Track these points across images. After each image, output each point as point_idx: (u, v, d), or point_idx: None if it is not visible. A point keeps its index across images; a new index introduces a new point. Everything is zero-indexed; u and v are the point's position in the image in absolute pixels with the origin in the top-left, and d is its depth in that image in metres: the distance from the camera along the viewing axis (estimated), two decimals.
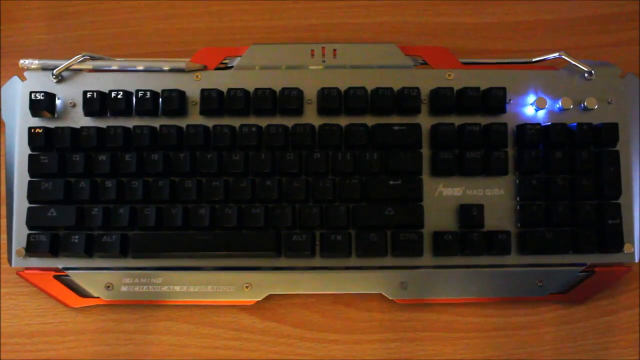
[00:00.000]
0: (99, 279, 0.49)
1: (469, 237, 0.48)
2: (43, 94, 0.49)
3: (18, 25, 0.56)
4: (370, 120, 0.50)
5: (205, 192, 0.49)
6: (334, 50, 0.51)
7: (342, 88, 0.50)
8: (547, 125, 0.49)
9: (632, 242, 0.49)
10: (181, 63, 0.51)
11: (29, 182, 0.49)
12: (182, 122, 0.50)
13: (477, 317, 0.51)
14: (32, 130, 0.49)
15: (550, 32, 0.56)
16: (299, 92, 0.50)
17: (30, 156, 0.49)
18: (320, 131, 0.49)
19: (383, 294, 0.49)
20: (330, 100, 0.49)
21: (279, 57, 0.51)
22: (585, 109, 0.50)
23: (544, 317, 0.51)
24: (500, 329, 0.50)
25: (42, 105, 0.49)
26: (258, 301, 0.49)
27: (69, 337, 0.51)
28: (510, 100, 0.50)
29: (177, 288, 0.49)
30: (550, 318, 0.51)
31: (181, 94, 0.50)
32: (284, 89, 0.50)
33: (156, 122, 0.50)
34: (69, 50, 0.55)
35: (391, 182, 0.49)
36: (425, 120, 0.50)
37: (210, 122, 0.50)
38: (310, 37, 0.56)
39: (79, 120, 0.50)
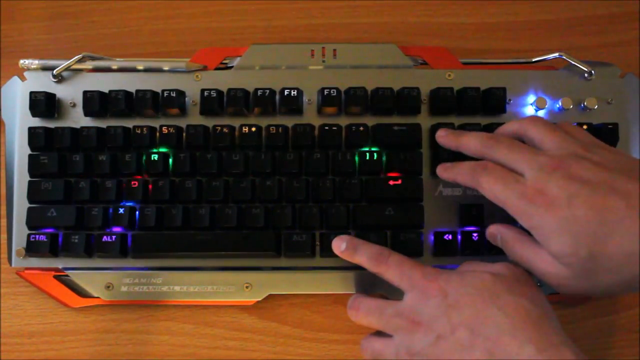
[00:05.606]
0: (99, 279, 0.49)
1: (469, 237, 0.48)
2: (43, 94, 0.49)
3: (18, 25, 0.56)
4: (370, 120, 0.50)
5: (205, 192, 0.49)
6: (334, 50, 0.51)
7: (342, 88, 0.50)
8: None
9: None
10: (181, 63, 0.51)
11: (29, 182, 0.49)
12: (182, 122, 0.50)
13: None
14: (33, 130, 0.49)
15: (550, 32, 0.56)
16: (299, 92, 0.50)
17: (30, 156, 0.49)
18: (320, 131, 0.49)
19: (383, 294, 0.49)
20: (330, 100, 0.49)
21: (279, 57, 0.51)
22: (585, 109, 0.50)
23: None
24: None
25: (42, 105, 0.49)
26: (258, 301, 0.49)
27: (69, 337, 0.51)
28: (510, 100, 0.50)
29: (177, 288, 0.49)
30: None
31: (181, 94, 0.50)
32: (284, 89, 0.50)
33: (156, 122, 0.50)
34: (69, 50, 0.54)
35: (391, 182, 0.49)
36: (425, 120, 0.50)
37: (210, 122, 0.50)
38: (310, 37, 0.56)
39: (79, 120, 0.50)
